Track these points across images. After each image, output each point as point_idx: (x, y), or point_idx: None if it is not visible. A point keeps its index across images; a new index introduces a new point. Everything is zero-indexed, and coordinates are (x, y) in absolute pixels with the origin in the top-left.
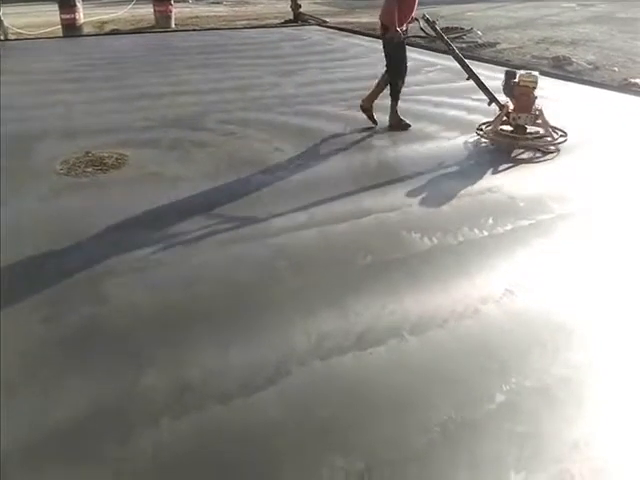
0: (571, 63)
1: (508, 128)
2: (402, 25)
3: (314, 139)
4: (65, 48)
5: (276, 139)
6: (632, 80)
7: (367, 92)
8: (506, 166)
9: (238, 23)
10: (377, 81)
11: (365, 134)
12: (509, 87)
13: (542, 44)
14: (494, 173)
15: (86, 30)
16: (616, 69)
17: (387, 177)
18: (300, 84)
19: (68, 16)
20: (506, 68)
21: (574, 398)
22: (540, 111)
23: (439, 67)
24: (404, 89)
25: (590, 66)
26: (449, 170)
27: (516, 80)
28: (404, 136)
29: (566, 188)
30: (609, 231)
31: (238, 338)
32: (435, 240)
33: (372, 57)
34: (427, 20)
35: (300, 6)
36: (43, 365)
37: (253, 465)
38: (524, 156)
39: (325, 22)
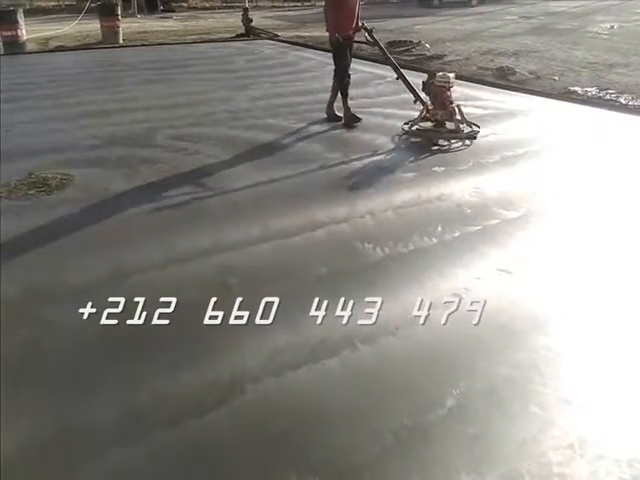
0: (514, 73)
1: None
2: (342, 31)
3: (266, 153)
4: (5, 66)
5: (227, 154)
6: (571, 88)
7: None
8: (455, 173)
9: (189, 38)
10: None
11: (317, 147)
12: (428, 87)
13: (487, 55)
14: (443, 181)
15: (29, 47)
16: (556, 78)
17: (338, 189)
18: (252, 98)
19: (9, 33)
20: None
21: (520, 398)
22: (457, 108)
23: (388, 79)
24: (357, 102)
25: (532, 76)
26: (399, 180)
27: (432, 81)
28: (355, 148)
29: (510, 194)
30: (555, 236)
31: (189, 358)
32: (387, 250)
33: (323, 70)
34: (366, 29)
35: (251, 20)
36: None
37: None
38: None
39: (277, 36)
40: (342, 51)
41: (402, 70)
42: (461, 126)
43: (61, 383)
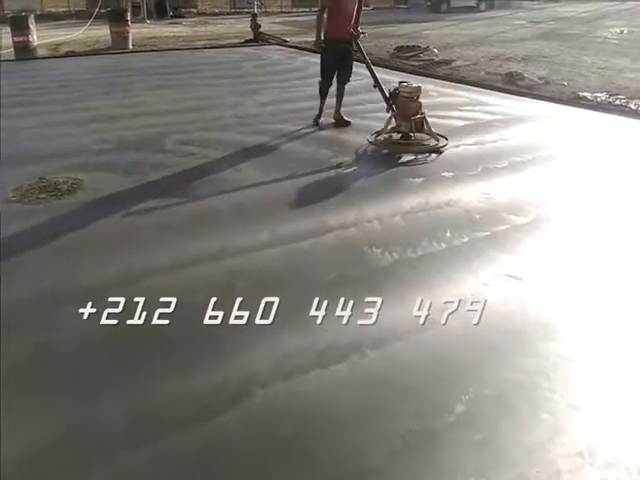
0: (523, 78)
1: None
2: (336, 34)
3: (274, 158)
4: (16, 71)
5: (236, 159)
6: (580, 94)
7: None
8: (464, 179)
9: (198, 43)
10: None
11: (326, 152)
12: (394, 97)
13: (495, 60)
14: (451, 187)
15: (40, 52)
16: (565, 83)
17: (346, 194)
18: (261, 103)
19: (21, 38)
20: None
21: (529, 404)
22: (423, 119)
23: (394, 85)
24: (364, 107)
25: (541, 81)
26: (407, 185)
27: (397, 91)
28: (362, 153)
29: (519, 200)
30: (564, 242)
31: (198, 361)
32: (395, 255)
33: None
34: (351, 34)
35: (260, 26)
36: None
37: None
38: (406, 159)
39: (285, 42)
40: (327, 53)
41: (409, 75)
42: (417, 137)
43: (66, 385)
